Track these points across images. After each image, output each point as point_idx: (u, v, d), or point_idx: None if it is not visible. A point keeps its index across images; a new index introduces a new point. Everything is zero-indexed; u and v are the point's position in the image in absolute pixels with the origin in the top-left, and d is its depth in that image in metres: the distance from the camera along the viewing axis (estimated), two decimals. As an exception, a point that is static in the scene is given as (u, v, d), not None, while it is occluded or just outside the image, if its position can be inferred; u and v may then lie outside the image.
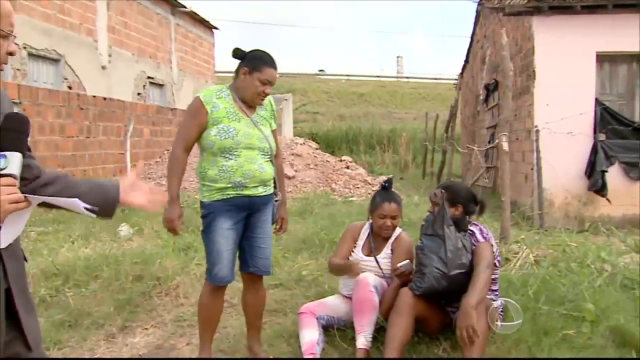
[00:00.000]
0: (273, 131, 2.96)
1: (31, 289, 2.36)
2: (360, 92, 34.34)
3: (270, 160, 2.90)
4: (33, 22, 10.95)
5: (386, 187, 3.40)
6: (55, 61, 12.18)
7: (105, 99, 11.50)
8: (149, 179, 9.60)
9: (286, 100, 14.42)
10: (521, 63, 8.96)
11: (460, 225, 3.02)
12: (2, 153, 1.35)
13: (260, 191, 2.83)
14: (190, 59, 19.78)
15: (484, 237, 2.97)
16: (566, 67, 7.94)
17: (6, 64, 1.53)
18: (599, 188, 7.79)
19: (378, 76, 38.10)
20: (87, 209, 1.46)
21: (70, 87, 12.39)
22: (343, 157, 12.17)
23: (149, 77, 16.36)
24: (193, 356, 3.16)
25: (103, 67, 13.95)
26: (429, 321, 3.02)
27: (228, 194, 2.75)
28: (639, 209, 7.80)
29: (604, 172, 7.78)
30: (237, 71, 2.85)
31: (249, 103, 2.82)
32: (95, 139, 11.52)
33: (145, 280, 4.23)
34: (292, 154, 10.77)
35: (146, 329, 3.57)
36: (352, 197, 9.24)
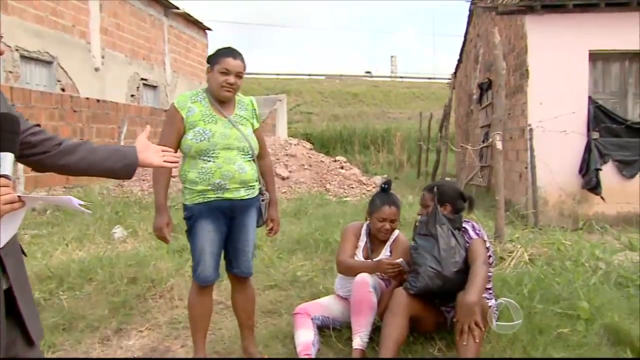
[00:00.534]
0: (256, 130, 2.93)
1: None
2: (354, 92, 34.38)
3: (252, 160, 2.86)
4: (25, 24, 10.89)
5: (385, 189, 3.36)
6: (48, 63, 12.14)
7: (98, 100, 11.45)
8: (143, 180, 9.55)
9: (280, 101, 14.42)
10: (514, 62, 8.98)
11: (456, 222, 3.03)
12: None
13: (242, 194, 2.79)
14: (184, 60, 19.76)
15: (477, 234, 2.99)
16: (559, 65, 7.98)
17: None
18: (593, 186, 7.82)
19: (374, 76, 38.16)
20: (81, 205, 1.46)
21: (63, 89, 12.35)
22: (337, 158, 12.15)
23: (142, 79, 16.33)
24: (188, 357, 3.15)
25: (96, 69, 13.92)
26: (424, 321, 3.02)
27: (209, 197, 2.73)
28: (633, 206, 7.84)
29: (598, 170, 7.81)
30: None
31: (220, 99, 2.79)
32: (88, 141, 11.46)
33: (140, 282, 4.21)
34: (287, 155, 10.76)
35: (141, 331, 3.55)
36: (346, 197, 9.24)
